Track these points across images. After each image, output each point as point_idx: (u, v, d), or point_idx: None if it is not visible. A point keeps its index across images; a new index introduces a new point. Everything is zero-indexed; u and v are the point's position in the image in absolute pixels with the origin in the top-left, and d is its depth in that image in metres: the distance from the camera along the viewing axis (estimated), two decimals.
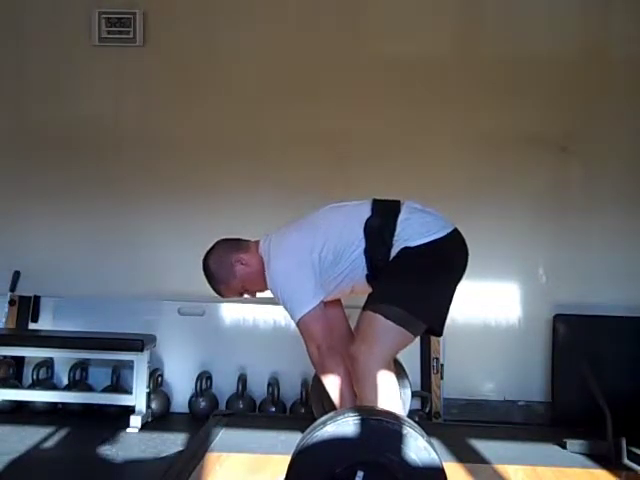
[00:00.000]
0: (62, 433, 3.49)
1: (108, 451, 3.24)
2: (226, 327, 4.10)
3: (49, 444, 3.35)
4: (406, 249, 2.33)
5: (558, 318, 3.96)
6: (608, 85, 4.06)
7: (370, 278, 2.41)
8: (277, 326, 4.05)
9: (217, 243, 2.61)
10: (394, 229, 2.36)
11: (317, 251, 2.38)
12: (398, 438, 1.76)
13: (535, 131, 4.04)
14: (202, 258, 2.61)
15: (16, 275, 4.13)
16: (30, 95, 4.26)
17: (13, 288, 4.12)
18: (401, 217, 2.38)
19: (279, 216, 4.10)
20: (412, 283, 2.31)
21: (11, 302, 4.10)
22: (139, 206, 4.18)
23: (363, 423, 1.77)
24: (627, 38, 4.05)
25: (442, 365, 3.95)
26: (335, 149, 4.07)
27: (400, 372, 2.89)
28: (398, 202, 2.45)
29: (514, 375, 4.06)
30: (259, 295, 2.65)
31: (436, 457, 1.76)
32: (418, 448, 1.75)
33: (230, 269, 2.53)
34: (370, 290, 2.42)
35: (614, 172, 4.06)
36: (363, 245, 2.37)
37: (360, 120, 4.03)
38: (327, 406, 2.64)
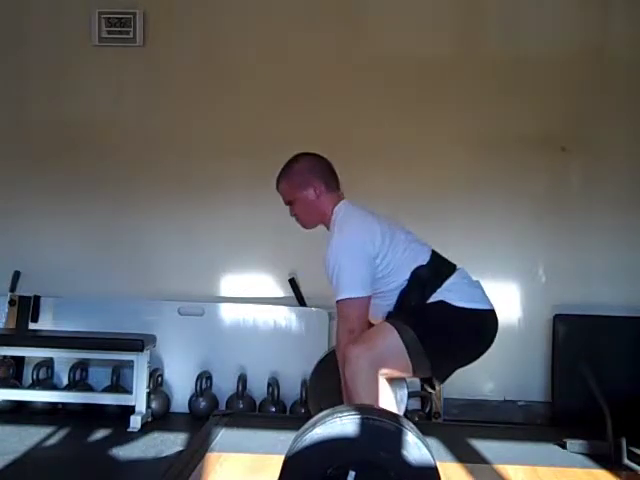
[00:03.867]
0: (62, 433, 3.50)
1: (108, 451, 3.24)
2: (226, 327, 4.10)
3: (49, 444, 3.35)
4: (445, 303, 2.31)
5: (558, 318, 3.96)
6: (608, 85, 4.06)
7: (389, 316, 2.39)
8: (277, 326, 4.05)
9: (324, 160, 2.54)
10: (437, 288, 2.33)
11: (380, 257, 2.34)
12: (388, 435, 1.76)
13: (535, 131, 4.04)
14: (299, 153, 2.54)
15: (16, 275, 4.13)
16: (30, 95, 4.26)
17: (13, 288, 4.12)
18: (450, 280, 2.36)
19: (279, 216, 4.12)
20: (442, 332, 2.29)
21: (11, 302, 4.10)
22: (139, 206, 4.19)
23: (353, 423, 1.77)
24: (627, 38, 4.05)
25: None
26: (335, 149, 4.04)
27: None
28: (454, 266, 2.44)
29: (514, 375, 4.06)
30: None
31: (427, 452, 1.76)
32: (409, 444, 1.75)
33: (304, 184, 2.48)
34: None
35: (614, 172, 4.06)
36: (404, 286, 2.35)
37: (359, 120, 4.03)
38: (325, 405, 2.64)
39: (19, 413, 3.85)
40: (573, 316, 3.94)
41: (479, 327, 2.37)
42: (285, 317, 4.05)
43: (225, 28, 4.17)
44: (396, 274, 2.36)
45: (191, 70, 4.19)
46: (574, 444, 2.82)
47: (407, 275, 2.35)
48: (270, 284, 4.17)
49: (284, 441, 2.82)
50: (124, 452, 3.25)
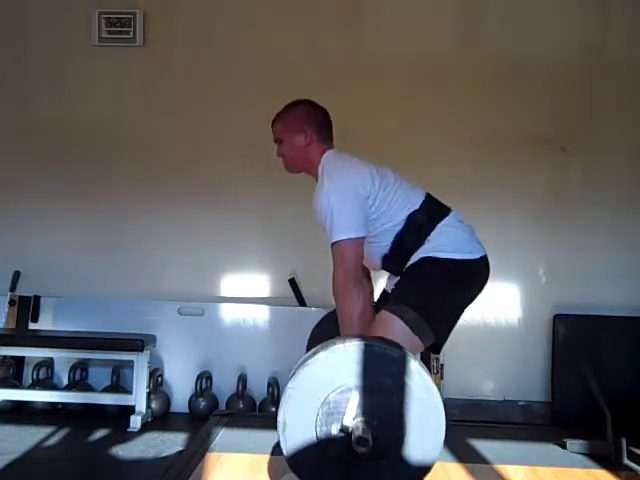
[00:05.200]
0: (62, 433, 3.50)
1: (108, 451, 3.24)
2: (226, 327, 4.10)
3: (49, 444, 3.35)
4: (432, 259, 2.33)
5: (558, 318, 3.96)
6: (608, 85, 4.06)
7: (386, 260, 2.41)
8: (277, 326, 4.05)
9: (323, 110, 2.56)
10: (431, 231, 2.36)
11: (372, 198, 2.36)
12: (391, 362, 1.80)
13: (535, 131, 4.04)
14: (300, 99, 2.55)
15: (16, 275, 4.13)
16: (30, 95, 4.26)
17: (13, 288, 4.12)
18: (442, 222, 2.39)
19: (280, 216, 4.14)
20: (431, 294, 2.32)
21: (11, 302, 4.10)
22: (139, 206, 4.19)
23: (357, 349, 1.80)
24: (627, 38, 4.05)
25: (442, 365, 3.94)
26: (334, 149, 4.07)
27: None
28: (448, 209, 2.45)
29: (514, 375, 4.06)
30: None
31: (429, 379, 1.80)
32: (411, 371, 1.79)
33: (297, 130, 2.49)
34: (375, 270, 2.47)
35: (614, 172, 4.06)
36: (399, 228, 2.37)
37: (359, 120, 4.02)
38: None
39: (19, 413, 3.85)
40: (573, 316, 3.94)
41: (465, 277, 2.38)
42: (285, 317, 4.05)
43: (225, 28, 4.17)
44: (389, 215, 2.37)
45: (191, 70, 4.19)
46: (574, 444, 2.82)
47: (401, 217, 2.37)
48: (270, 284, 4.17)
49: None
50: (124, 452, 3.25)
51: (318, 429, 1.79)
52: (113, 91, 4.24)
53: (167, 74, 4.21)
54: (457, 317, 2.43)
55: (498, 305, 4.09)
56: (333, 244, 2.33)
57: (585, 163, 4.08)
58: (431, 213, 2.40)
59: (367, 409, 1.78)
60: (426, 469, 1.81)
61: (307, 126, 2.48)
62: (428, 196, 2.46)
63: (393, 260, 2.41)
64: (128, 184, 4.18)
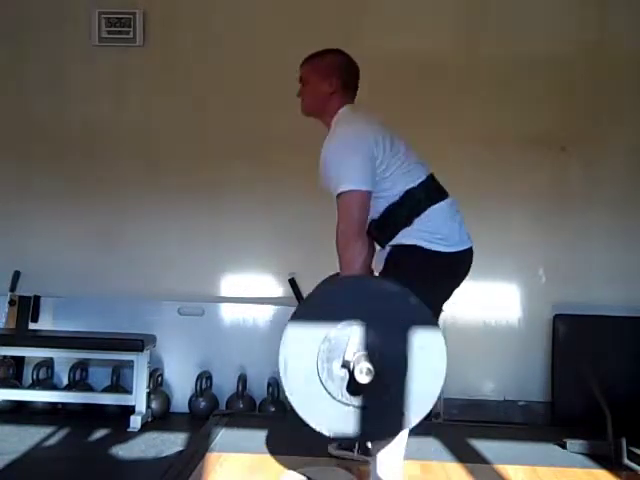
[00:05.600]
0: (62, 433, 3.49)
1: (108, 451, 3.24)
2: (226, 327, 4.10)
3: (49, 444, 3.35)
4: (415, 248, 2.30)
5: (558, 318, 3.96)
6: (608, 85, 4.06)
7: (372, 225, 2.36)
8: (277, 326, 4.04)
9: (356, 67, 2.60)
10: (422, 211, 2.32)
11: (379, 160, 2.33)
12: (391, 297, 1.82)
13: (535, 131, 4.03)
14: (336, 48, 2.58)
15: (16, 275, 4.13)
16: (30, 95, 4.25)
17: (13, 288, 4.12)
18: (435, 207, 2.35)
19: (280, 216, 4.14)
20: (415, 283, 2.30)
21: (11, 302, 4.10)
22: (139, 206, 4.19)
23: (355, 285, 1.84)
24: (627, 37, 4.05)
25: None
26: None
27: None
28: (445, 194, 2.42)
29: (514, 375, 4.06)
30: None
31: (429, 313, 1.82)
32: (412, 306, 1.81)
33: (325, 76, 2.49)
34: None
35: (614, 172, 4.06)
36: (394, 200, 2.34)
37: None
38: None
39: (19, 413, 3.85)
40: (573, 316, 3.93)
41: (454, 271, 2.37)
42: (285, 317, 4.02)
43: (225, 28, 4.17)
44: (389, 183, 2.33)
45: (191, 70, 4.19)
46: (574, 444, 2.83)
47: (400, 188, 2.33)
48: (270, 284, 4.17)
49: (284, 441, 2.84)
50: (124, 452, 3.25)
51: (320, 367, 1.78)
52: (113, 91, 4.24)
53: (167, 74, 4.21)
54: (439, 311, 2.39)
55: (498, 305, 4.09)
56: (339, 195, 2.27)
57: (585, 163, 4.08)
58: (428, 193, 2.37)
59: (368, 344, 1.77)
60: (428, 403, 1.81)
61: (335, 76, 2.48)
62: (431, 176, 2.43)
63: (379, 228, 2.36)
64: (128, 184, 4.18)
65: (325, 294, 1.83)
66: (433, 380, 1.79)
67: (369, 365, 1.70)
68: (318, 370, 1.77)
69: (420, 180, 2.37)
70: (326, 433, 1.80)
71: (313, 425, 1.78)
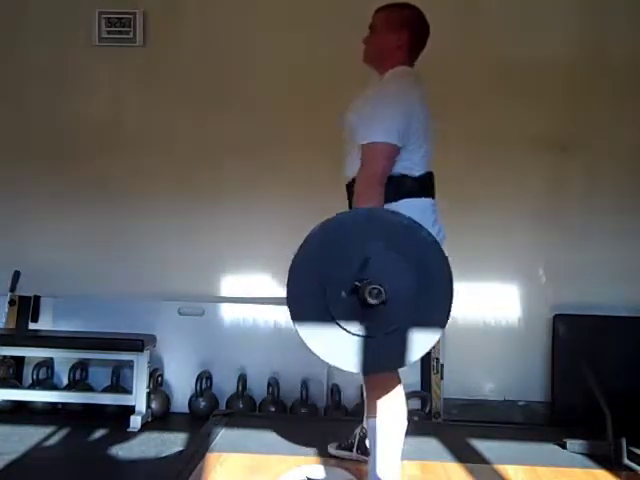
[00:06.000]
0: (62, 433, 3.50)
1: (108, 451, 3.24)
2: (226, 327, 4.10)
3: (49, 444, 3.35)
4: None
5: (558, 318, 3.96)
6: (608, 85, 4.06)
7: (353, 182, 2.32)
8: (277, 326, 4.05)
9: (428, 31, 2.65)
10: (403, 198, 2.26)
11: (414, 126, 2.32)
12: (404, 229, 1.83)
13: (535, 131, 4.03)
14: (415, 6, 2.60)
15: (16, 275, 4.13)
16: (30, 95, 4.25)
17: (13, 288, 4.12)
18: (418, 199, 2.29)
19: (280, 216, 4.14)
20: None
21: (11, 302, 4.10)
22: (139, 206, 4.18)
23: (364, 217, 1.83)
24: (627, 39, 4.05)
25: (442, 365, 3.95)
26: (335, 149, 4.05)
27: None
28: (432, 194, 2.39)
29: (514, 375, 4.06)
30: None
31: (440, 248, 1.83)
32: (421, 238, 1.82)
33: (396, 29, 2.50)
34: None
35: (614, 172, 4.06)
36: (390, 174, 2.28)
37: None
38: None
39: (19, 413, 3.85)
40: (573, 316, 3.94)
41: None
42: (285, 317, 4.04)
43: (225, 28, 4.17)
44: (401, 157, 2.28)
45: (191, 70, 4.19)
46: (574, 444, 2.83)
47: (400, 170, 2.28)
48: (270, 284, 4.17)
49: (284, 441, 2.84)
50: (124, 452, 3.25)
51: (328, 292, 1.78)
52: (113, 91, 4.24)
53: (167, 74, 4.21)
54: None
55: (498, 305, 4.09)
56: (368, 144, 2.23)
57: (585, 163, 4.08)
58: (419, 186, 2.33)
59: (378, 272, 1.76)
60: (434, 335, 1.81)
61: (406, 32, 2.48)
62: (430, 174, 2.41)
63: None
64: (128, 184, 4.18)
65: (339, 221, 1.80)
66: (439, 314, 1.80)
67: (379, 287, 1.71)
68: (327, 296, 1.78)
69: (419, 173, 2.34)
70: (329, 362, 1.80)
71: (317, 352, 1.78)
